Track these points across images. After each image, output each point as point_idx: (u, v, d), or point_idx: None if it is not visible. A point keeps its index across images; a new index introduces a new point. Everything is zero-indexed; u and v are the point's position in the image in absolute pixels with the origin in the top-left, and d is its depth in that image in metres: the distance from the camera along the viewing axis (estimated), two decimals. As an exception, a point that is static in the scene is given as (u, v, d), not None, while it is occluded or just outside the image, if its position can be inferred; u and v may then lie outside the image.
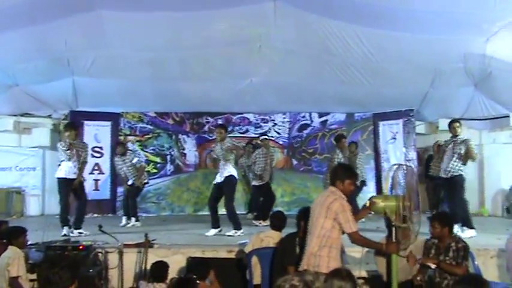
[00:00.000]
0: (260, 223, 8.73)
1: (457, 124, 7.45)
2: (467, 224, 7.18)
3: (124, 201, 9.60)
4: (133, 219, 9.05)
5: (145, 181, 9.55)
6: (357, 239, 4.08)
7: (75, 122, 8.87)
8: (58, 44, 8.18)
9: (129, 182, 9.18)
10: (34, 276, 5.34)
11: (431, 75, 9.36)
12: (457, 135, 7.37)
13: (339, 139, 9.23)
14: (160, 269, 5.21)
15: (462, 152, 7.20)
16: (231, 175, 7.54)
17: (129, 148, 10.09)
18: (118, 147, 9.39)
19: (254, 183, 9.43)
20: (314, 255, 4.04)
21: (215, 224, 7.60)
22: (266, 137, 10.13)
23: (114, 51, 8.59)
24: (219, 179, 7.61)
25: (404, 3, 7.05)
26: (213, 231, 7.52)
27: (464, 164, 7.28)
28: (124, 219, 9.12)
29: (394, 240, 4.25)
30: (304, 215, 4.73)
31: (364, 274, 5.52)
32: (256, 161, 9.19)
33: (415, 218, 4.23)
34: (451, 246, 4.75)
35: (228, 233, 7.45)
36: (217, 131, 7.84)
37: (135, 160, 9.31)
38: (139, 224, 8.91)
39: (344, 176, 4.25)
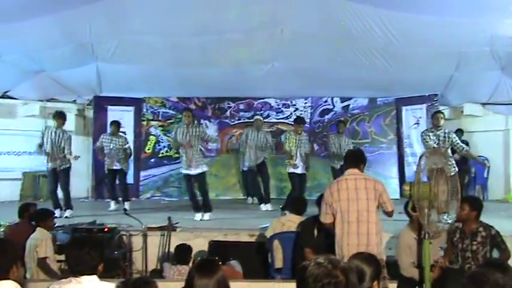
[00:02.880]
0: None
1: (441, 115, 7.50)
2: None
3: (109, 185, 9.36)
4: (126, 203, 8.91)
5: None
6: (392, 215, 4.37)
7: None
8: (82, 30, 8.27)
9: (116, 167, 9.01)
10: (61, 257, 5.51)
11: (456, 59, 9.18)
12: (439, 126, 7.36)
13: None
14: (184, 252, 5.31)
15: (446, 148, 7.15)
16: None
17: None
18: (112, 125, 9.21)
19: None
20: (376, 245, 4.13)
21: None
22: (258, 117, 10.01)
23: (137, 37, 8.65)
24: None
25: (429, -14, 6.93)
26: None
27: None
28: (113, 204, 8.98)
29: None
30: None
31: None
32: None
33: (449, 205, 4.17)
34: (479, 231, 4.70)
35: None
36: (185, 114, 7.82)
37: (126, 146, 9.25)
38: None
39: (365, 160, 4.51)
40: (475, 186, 10.58)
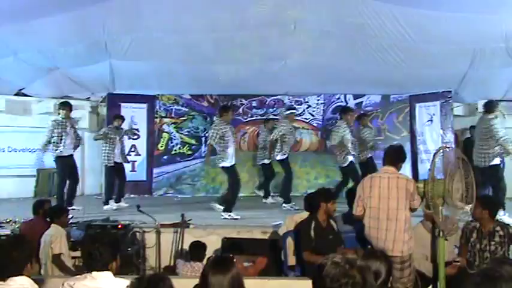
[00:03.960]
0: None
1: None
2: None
3: (109, 182, 9.11)
4: (123, 200, 8.90)
5: None
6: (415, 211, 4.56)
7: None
8: (96, 28, 8.32)
9: (118, 160, 8.99)
10: (76, 253, 5.56)
11: (470, 56, 9.08)
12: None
13: (346, 111, 8.94)
14: (199, 249, 5.33)
15: None
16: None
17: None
18: (116, 119, 9.21)
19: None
20: (403, 242, 4.34)
21: None
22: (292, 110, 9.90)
23: (151, 34, 8.68)
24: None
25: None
26: None
27: None
28: (113, 203, 8.80)
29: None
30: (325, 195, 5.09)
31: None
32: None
33: (462, 203, 4.14)
34: (496, 231, 4.67)
35: None
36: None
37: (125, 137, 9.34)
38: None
39: (404, 158, 4.71)
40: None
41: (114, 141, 8.91)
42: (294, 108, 10.37)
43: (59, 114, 8.53)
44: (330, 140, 8.70)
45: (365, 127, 9.52)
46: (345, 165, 8.54)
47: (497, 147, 7.23)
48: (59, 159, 8.29)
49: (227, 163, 7.74)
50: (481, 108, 10.69)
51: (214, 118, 8.86)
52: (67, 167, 8.37)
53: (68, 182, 8.43)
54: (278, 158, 9.20)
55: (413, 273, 4.42)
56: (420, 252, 4.74)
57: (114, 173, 9.02)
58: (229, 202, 7.81)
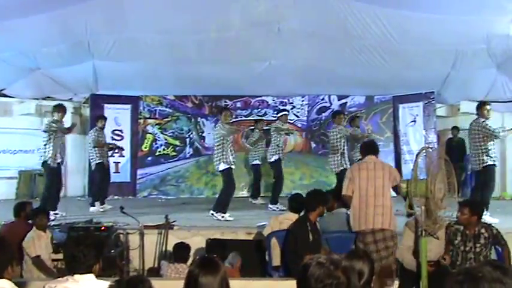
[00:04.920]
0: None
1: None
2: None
3: (102, 182, 8.99)
4: (106, 202, 8.77)
5: None
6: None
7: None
8: (79, 27, 8.22)
9: (100, 160, 8.89)
10: (58, 256, 5.50)
11: (452, 57, 9.17)
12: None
13: (336, 115, 8.92)
14: (183, 250, 5.30)
15: None
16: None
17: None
18: (100, 120, 9.12)
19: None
20: (391, 216, 4.91)
21: None
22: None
23: (134, 35, 8.61)
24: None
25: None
26: None
27: None
28: (98, 205, 8.64)
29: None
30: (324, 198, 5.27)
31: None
32: None
33: (445, 202, 4.18)
34: (481, 233, 4.69)
35: None
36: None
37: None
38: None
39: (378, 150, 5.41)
40: (471, 183, 10.60)
41: (103, 142, 8.93)
42: (287, 110, 10.39)
43: (53, 117, 8.31)
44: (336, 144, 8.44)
45: (357, 128, 9.54)
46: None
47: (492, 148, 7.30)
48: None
49: (226, 165, 7.66)
50: (463, 109, 10.88)
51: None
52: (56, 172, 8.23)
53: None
54: (271, 160, 9.20)
55: (394, 262, 4.80)
56: (409, 254, 4.79)
57: (105, 171, 8.95)
58: (224, 203, 7.78)
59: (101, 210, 8.45)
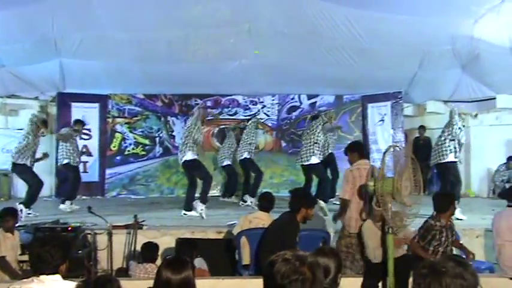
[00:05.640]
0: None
1: None
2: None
3: (75, 182, 8.87)
4: (74, 202, 8.62)
5: None
6: None
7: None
8: (45, 24, 8.08)
9: (77, 164, 8.89)
10: (23, 257, 5.38)
11: (419, 57, 9.39)
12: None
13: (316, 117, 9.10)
14: (150, 250, 5.25)
15: None
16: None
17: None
18: (78, 124, 9.05)
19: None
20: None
21: None
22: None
23: (102, 32, 8.51)
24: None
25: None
26: None
27: None
28: (69, 204, 8.48)
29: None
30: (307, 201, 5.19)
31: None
32: None
33: (411, 200, 4.25)
34: (452, 223, 5.01)
35: None
36: None
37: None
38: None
39: None
40: (437, 181, 10.83)
41: (75, 142, 8.80)
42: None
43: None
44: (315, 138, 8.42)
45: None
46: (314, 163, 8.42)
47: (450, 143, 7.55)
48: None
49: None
50: (430, 109, 11.13)
51: None
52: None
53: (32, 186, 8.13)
54: (242, 157, 9.29)
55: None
56: (372, 241, 4.81)
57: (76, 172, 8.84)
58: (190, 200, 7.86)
59: (68, 210, 8.31)
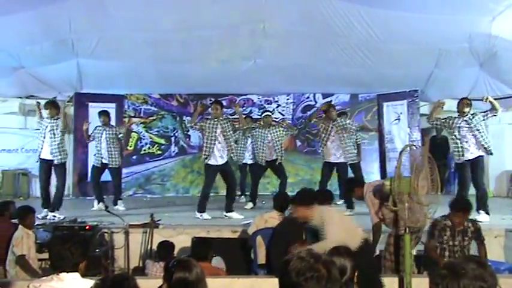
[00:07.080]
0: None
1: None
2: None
3: (95, 182, 8.90)
4: (120, 202, 8.71)
5: None
6: None
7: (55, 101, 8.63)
8: (62, 25, 8.16)
9: (106, 161, 8.71)
10: (42, 255, 5.46)
11: (436, 56, 9.28)
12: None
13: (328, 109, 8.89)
14: (166, 249, 5.29)
15: None
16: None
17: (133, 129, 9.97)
18: (102, 116, 8.87)
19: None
20: None
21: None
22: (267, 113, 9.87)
23: (118, 33, 8.58)
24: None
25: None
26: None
27: None
28: (96, 204, 8.51)
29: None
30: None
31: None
32: None
33: (427, 199, 4.22)
34: (468, 227, 4.90)
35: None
36: (213, 107, 7.83)
37: (120, 135, 9.02)
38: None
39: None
40: (455, 180, 10.72)
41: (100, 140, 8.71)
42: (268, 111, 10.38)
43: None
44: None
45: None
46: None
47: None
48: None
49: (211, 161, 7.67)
50: (447, 107, 10.99)
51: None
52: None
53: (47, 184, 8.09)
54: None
55: None
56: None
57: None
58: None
59: (99, 208, 8.34)
